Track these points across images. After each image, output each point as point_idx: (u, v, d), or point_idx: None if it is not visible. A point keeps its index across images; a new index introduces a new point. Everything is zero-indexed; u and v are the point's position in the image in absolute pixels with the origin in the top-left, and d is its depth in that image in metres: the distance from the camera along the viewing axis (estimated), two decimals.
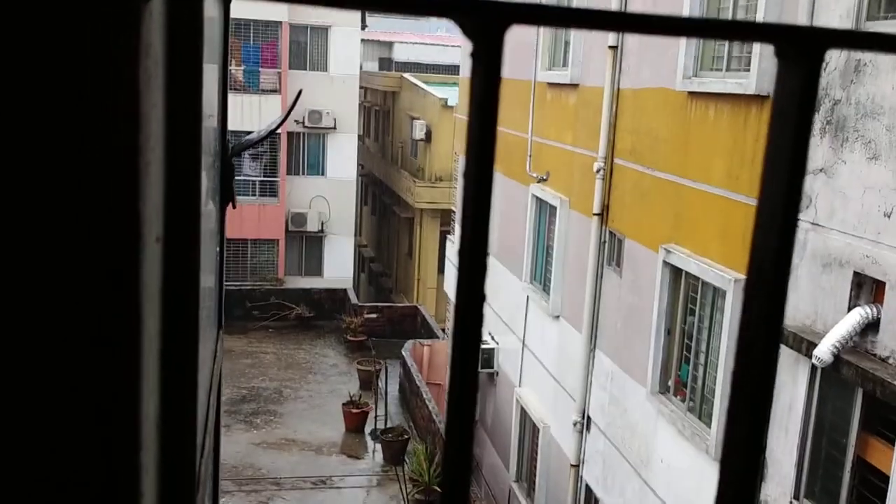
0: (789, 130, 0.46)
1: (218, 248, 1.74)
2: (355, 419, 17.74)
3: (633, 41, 9.97)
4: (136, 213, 0.50)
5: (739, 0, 8.03)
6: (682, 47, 8.60)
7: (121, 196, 0.49)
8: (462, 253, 0.43)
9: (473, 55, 0.41)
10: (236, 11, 24.99)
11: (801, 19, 6.82)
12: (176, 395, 0.72)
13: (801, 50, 0.45)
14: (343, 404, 17.97)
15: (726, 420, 0.49)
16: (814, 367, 6.57)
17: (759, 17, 7.38)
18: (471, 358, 0.44)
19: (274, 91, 25.39)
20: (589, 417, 10.97)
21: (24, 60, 0.46)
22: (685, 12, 8.55)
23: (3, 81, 0.46)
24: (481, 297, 0.44)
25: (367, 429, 17.80)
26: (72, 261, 0.50)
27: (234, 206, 1.80)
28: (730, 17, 8.13)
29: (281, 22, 25.25)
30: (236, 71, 25.14)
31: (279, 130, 25.17)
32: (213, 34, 1.41)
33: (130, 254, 0.50)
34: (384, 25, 44.29)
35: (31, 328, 0.51)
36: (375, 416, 17.68)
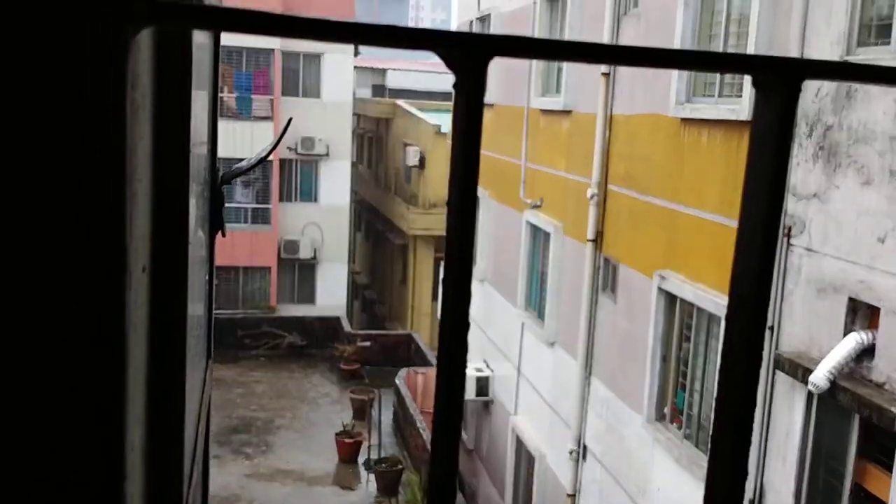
0: (768, 158, 0.47)
1: (207, 277, 1.71)
2: (348, 449, 17.58)
3: (626, 67, 10.03)
4: (122, 244, 0.50)
5: (731, 28, 8.10)
6: (675, 73, 8.65)
7: (106, 226, 0.50)
8: (446, 281, 0.42)
9: (456, 86, 0.40)
10: (228, 39, 25.20)
11: (793, 45, 6.87)
12: (163, 425, 0.70)
13: (779, 80, 0.46)
14: (336, 434, 17.82)
15: (711, 439, 0.49)
16: (810, 394, 6.53)
17: (751, 43, 7.43)
18: (456, 385, 0.43)
19: (266, 118, 25.47)
20: (585, 446, 10.89)
21: (10, 90, 0.47)
22: (677, 39, 8.61)
23: None
24: (465, 326, 0.44)
25: (361, 459, 17.63)
26: (56, 290, 0.50)
27: (223, 235, 1.77)
28: (721, 42, 8.20)
29: (273, 49, 25.39)
30: (228, 98, 25.23)
31: (271, 157, 25.21)
32: (203, 61, 1.39)
33: (115, 284, 0.50)
34: (377, 52, 44.64)
35: (12, 356, 0.51)
36: (369, 446, 17.52)
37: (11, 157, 0.47)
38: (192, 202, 1.26)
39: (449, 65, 0.41)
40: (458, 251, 0.42)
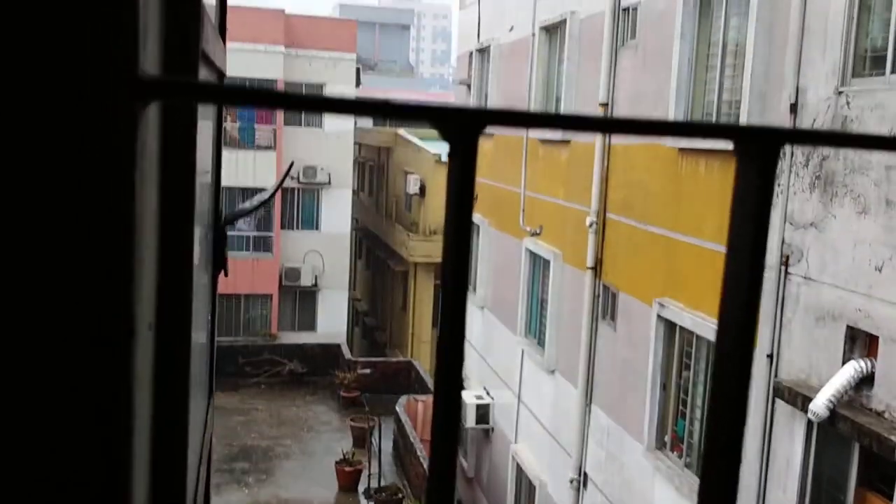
0: (748, 223, 0.49)
1: (209, 316, 1.74)
2: (348, 477, 17.48)
3: (623, 98, 10.13)
4: (130, 311, 0.51)
5: (727, 59, 8.19)
6: (672, 103, 8.74)
7: (114, 293, 0.51)
8: (440, 346, 0.45)
9: (450, 155, 0.44)
10: (230, 69, 25.37)
11: (788, 76, 6.96)
12: (165, 482, 0.72)
13: (758, 147, 0.48)
14: (336, 462, 17.72)
15: (702, 466, 0.51)
16: (810, 422, 6.53)
17: (747, 73, 7.52)
18: (453, 412, 0.46)
19: (269, 147, 25.62)
20: (586, 474, 10.84)
21: (21, 165, 0.49)
22: (674, 69, 8.71)
23: (3, 178, 0.48)
24: (459, 387, 0.46)
25: (361, 487, 17.52)
26: (63, 351, 0.51)
27: (226, 275, 1.81)
28: (717, 73, 8.28)
29: (276, 80, 25.59)
30: (232, 128, 25.39)
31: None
32: (208, 106, 1.44)
33: (122, 350, 0.52)
34: (379, 83, 44.96)
35: (13, 422, 0.52)
36: (369, 475, 17.41)
37: (22, 226, 0.49)
38: (196, 247, 1.30)
39: (443, 135, 0.44)
40: (451, 310, 0.44)
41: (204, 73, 1.12)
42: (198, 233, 1.31)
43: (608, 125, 0.50)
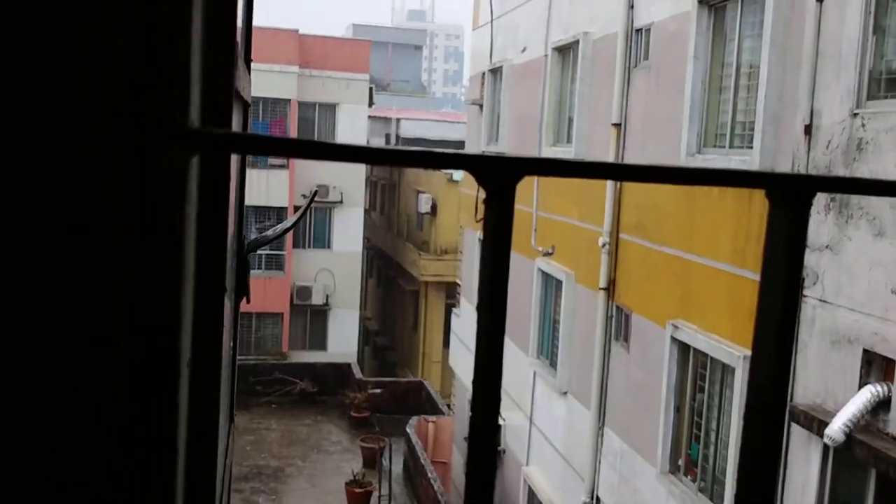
0: (780, 270, 0.49)
1: (232, 343, 1.74)
2: (358, 499, 17.39)
3: (636, 119, 10.13)
4: (177, 348, 0.54)
5: (741, 80, 8.18)
6: (686, 123, 8.73)
7: (164, 328, 0.53)
8: (476, 385, 0.44)
9: (487, 202, 0.44)
10: None
11: (802, 99, 6.93)
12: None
13: (790, 194, 0.48)
14: (346, 483, 17.64)
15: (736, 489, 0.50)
16: (826, 447, 6.45)
17: (760, 96, 7.50)
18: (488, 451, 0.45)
19: (282, 166, 25.76)
20: (598, 497, 10.74)
21: (87, 208, 0.51)
22: (687, 91, 8.70)
23: (68, 223, 0.50)
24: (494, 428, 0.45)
25: None
26: (117, 392, 0.53)
27: (248, 301, 1.81)
28: (731, 94, 8.27)
29: (290, 99, 25.78)
30: None
31: (286, 204, 25.42)
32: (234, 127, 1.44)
33: (170, 389, 0.54)
34: (391, 102, 45.19)
35: (69, 453, 0.53)
36: (379, 496, 17.32)
37: (78, 274, 0.51)
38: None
39: (480, 182, 0.45)
40: (488, 355, 0.44)
41: (234, 110, 1.12)
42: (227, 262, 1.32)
43: (644, 173, 0.49)
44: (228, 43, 0.82)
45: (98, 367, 0.52)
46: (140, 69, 0.50)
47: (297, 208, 26.20)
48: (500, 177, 0.44)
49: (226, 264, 0.79)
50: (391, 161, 0.44)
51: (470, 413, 0.46)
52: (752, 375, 0.51)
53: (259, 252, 26.21)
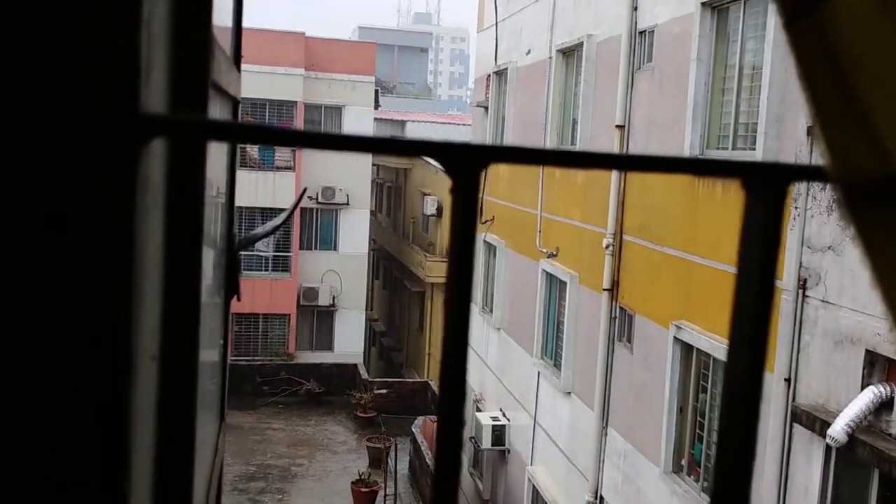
0: (756, 260, 0.48)
1: (222, 340, 1.76)
2: (364, 498, 17.42)
3: (639, 121, 10.15)
4: (128, 343, 0.52)
5: (744, 82, 8.20)
6: (689, 125, 8.75)
7: (112, 325, 0.52)
8: (442, 381, 0.46)
9: (452, 191, 0.45)
10: (251, 91, 25.45)
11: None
12: None
13: (766, 184, 0.49)
14: (352, 483, 17.68)
15: (713, 487, 0.51)
16: (828, 448, 6.46)
17: (763, 97, 7.52)
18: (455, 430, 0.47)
19: (288, 168, 25.80)
20: (602, 497, 10.76)
21: (26, 193, 0.49)
22: (690, 93, 8.72)
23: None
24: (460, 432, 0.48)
25: None
26: (60, 384, 0.51)
27: (238, 299, 1.84)
28: (734, 96, 8.29)
29: (296, 102, 25.83)
30: (251, 149, 25.59)
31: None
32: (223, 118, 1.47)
33: (121, 376, 0.52)
34: (397, 105, 45.23)
35: (10, 464, 0.52)
36: (385, 496, 17.36)
37: (20, 258, 0.49)
38: (209, 272, 1.32)
39: (447, 170, 0.45)
40: (454, 347, 0.46)
41: (216, 104, 1.15)
42: (211, 257, 1.33)
43: (617, 162, 0.51)
44: (202, 34, 0.81)
45: (36, 362, 0.50)
46: (83, 51, 0.49)
47: (303, 209, 26.25)
48: (465, 164, 0.46)
49: (200, 258, 0.80)
50: (352, 147, 0.46)
51: (438, 406, 0.49)
52: (729, 367, 0.52)
53: (265, 254, 26.26)
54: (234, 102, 1.56)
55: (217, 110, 1.20)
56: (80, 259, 0.51)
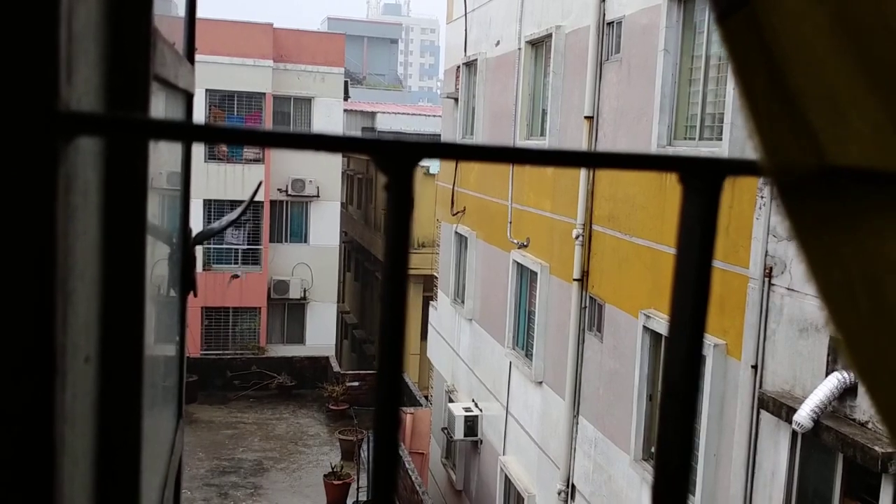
0: (694, 249, 0.49)
1: (178, 338, 1.74)
2: (337, 491, 17.41)
3: (608, 111, 10.20)
4: (50, 341, 0.50)
5: (710, 73, 8.27)
6: (657, 115, 8.81)
7: (32, 330, 0.50)
8: (379, 378, 0.46)
9: (386, 188, 0.45)
10: (219, 83, 25.20)
11: None
12: None
13: (702, 178, 0.49)
14: (325, 476, 17.66)
15: (655, 454, 0.51)
16: (794, 433, 6.57)
17: (730, 87, 7.59)
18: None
19: (257, 160, 25.61)
20: (573, 486, 10.84)
21: None
22: (657, 83, 8.78)
23: None
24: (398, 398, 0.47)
25: (350, 501, 17.45)
26: None
27: (195, 295, 1.82)
28: (701, 86, 8.36)
29: (265, 93, 25.63)
30: None
31: (262, 199, 25.31)
32: (176, 116, 1.44)
33: (44, 386, 0.51)
34: (367, 96, 45.05)
35: None
36: (358, 488, 17.36)
37: None
38: (161, 266, 1.30)
39: (380, 168, 0.46)
40: (389, 345, 0.45)
41: (163, 98, 1.13)
42: (163, 252, 1.31)
43: (549, 157, 0.51)
44: (140, 27, 0.79)
45: None
46: None
47: (273, 202, 26.09)
48: (397, 161, 0.46)
49: (143, 254, 0.78)
50: (283, 144, 0.45)
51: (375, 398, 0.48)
52: (668, 356, 0.52)
53: (236, 246, 26.07)
54: (187, 96, 1.53)
55: (164, 105, 1.18)
56: None
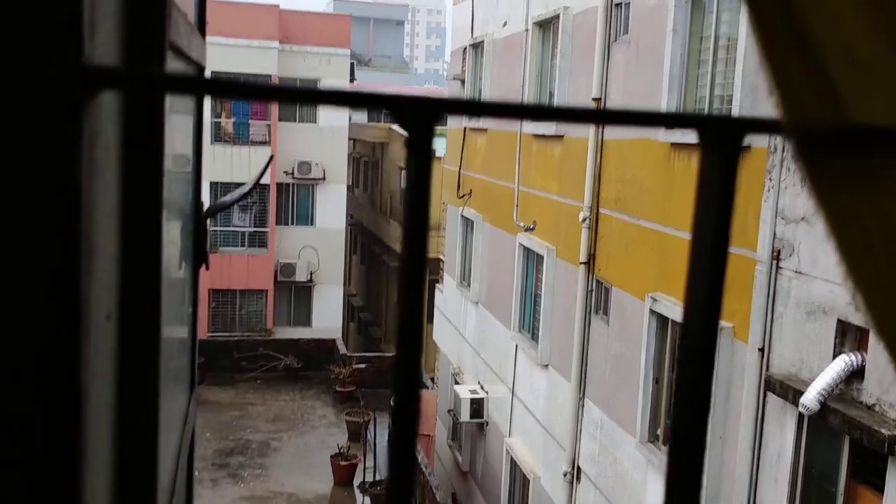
0: (712, 215, 0.48)
1: (191, 309, 1.75)
2: (344, 472, 17.52)
3: (616, 92, 10.14)
4: (76, 295, 0.51)
5: (719, 53, 8.21)
6: (665, 96, 8.76)
7: (58, 279, 0.51)
8: (400, 334, 0.46)
9: (407, 144, 0.45)
10: (225, 65, 25.21)
11: None
12: (134, 472, 0.72)
13: (721, 137, 0.48)
14: (331, 456, 17.76)
15: (670, 441, 0.51)
16: (801, 416, 6.57)
17: (738, 69, 7.54)
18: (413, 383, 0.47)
19: (263, 143, 25.59)
20: (579, 467, 10.88)
21: None
22: (666, 64, 8.72)
23: None
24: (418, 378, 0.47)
25: (356, 481, 17.56)
26: (8, 347, 0.51)
27: (206, 268, 1.82)
28: (710, 67, 8.30)
29: (271, 75, 25.56)
30: (226, 123, 25.35)
31: (268, 182, 25.31)
32: (186, 98, 1.44)
33: (70, 333, 0.51)
34: (373, 78, 44.91)
35: None
36: (364, 469, 17.46)
37: None
38: (177, 238, 1.30)
39: (401, 124, 0.45)
40: (406, 301, 0.45)
41: (176, 66, 1.12)
42: (176, 225, 1.31)
43: (568, 114, 0.51)
44: None
45: None
46: (22, 2, 0.49)
47: (279, 185, 26.08)
48: (418, 117, 0.45)
49: (160, 212, 0.78)
50: (301, 100, 0.45)
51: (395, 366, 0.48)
52: (685, 323, 0.52)
53: (242, 229, 26.10)
54: (199, 68, 1.53)
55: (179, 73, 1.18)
56: (22, 209, 0.50)
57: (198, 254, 1.67)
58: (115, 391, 0.70)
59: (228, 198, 2.47)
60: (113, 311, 0.68)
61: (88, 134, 0.50)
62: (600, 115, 0.53)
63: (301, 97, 0.44)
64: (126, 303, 0.71)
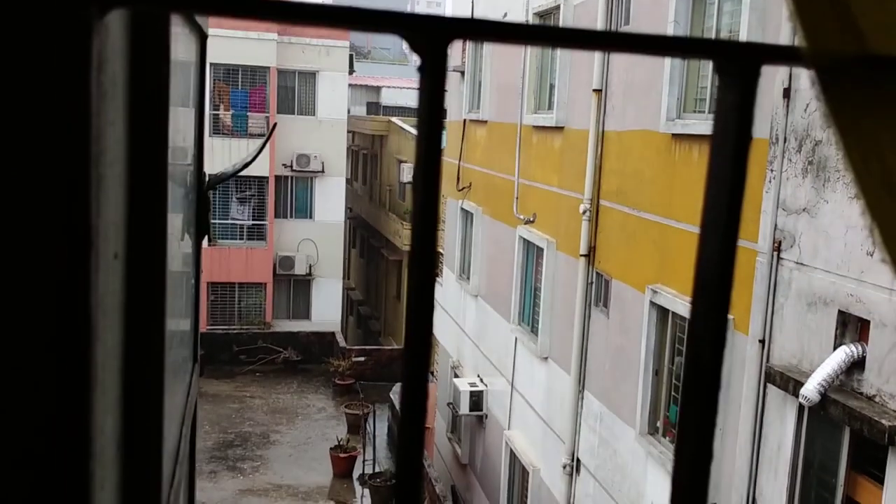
0: (730, 144, 0.48)
1: (194, 281, 1.74)
2: (343, 464, 17.53)
3: (617, 85, 10.12)
4: (87, 224, 0.50)
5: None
6: (665, 89, 8.74)
7: (69, 207, 0.50)
8: (411, 267, 0.44)
9: (420, 68, 0.43)
10: (224, 57, 25.12)
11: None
12: (140, 413, 0.71)
13: (739, 64, 0.47)
14: (331, 449, 17.77)
15: (677, 429, 0.49)
16: (801, 407, 6.56)
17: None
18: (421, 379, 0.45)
19: (262, 135, 25.53)
20: (578, 460, 10.89)
21: None
22: (666, 68, 8.69)
23: None
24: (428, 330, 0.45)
25: (356, 474, 17.58)
26: (17, 271, 0.50)
27: (209, 242, 1.81)
28: (710, 68, 8.26)
29: (269, 67, 25.50)
30: (225, 115, 25.29)
31: (266, 174, 25.26)
32: (189, 68, 1.43)
33: (80, 266, 0.51)
34: (372, 70, 44.83)
35: None
36: (364, 461, 17.48)
37: None
38: (179, 203, 1.29)
39: (413, 47, 0.43)
40: (421, 235, 0.43)
41: (185, 28, 1.11)
42: (179, 194, 1.30)
43: (583, 38, 0.48)
44: None
45: None
46: None
47: (277, 177, 26.04)
48: (431, 38, 0.43)
49: (167, 140, 0.77)
50: (307, 19, 0.43)
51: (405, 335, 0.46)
52: (699, 261, 0.50)
53: (241, 222, 26.07)
54: (202, 37, 1.51)
55: (183, 41, 1.16)
56: (32, 129, 0.49)
57: (200, 225, 1.65)
58: (122, 331, 0.68)
59: (230, 168, 2.46)
60: (121, 251, 0.66)
61: (97, 55, 0.49)
62: (611, 38, 0.50)
63: (308, 15, 0.42)
64: (133, 242, 0.69)
